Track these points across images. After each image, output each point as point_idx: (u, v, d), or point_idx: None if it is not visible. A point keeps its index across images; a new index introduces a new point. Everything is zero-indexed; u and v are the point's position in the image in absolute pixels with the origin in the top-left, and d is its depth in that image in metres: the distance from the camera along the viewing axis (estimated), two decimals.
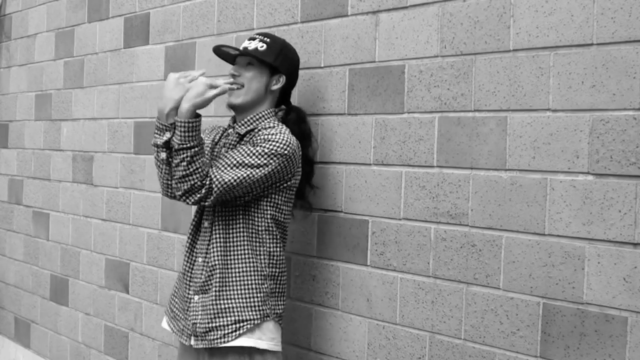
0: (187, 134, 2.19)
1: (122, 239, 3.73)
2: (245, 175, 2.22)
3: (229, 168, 2.22)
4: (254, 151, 2.25)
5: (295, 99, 2.72)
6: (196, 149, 2.19)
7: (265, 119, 2.40)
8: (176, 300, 2.46)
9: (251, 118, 2.40)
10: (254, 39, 2.41)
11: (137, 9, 3.66)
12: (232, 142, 2.42)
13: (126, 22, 3.74)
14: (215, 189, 2.20)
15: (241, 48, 2.41)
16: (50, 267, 4.36)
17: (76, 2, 4.17)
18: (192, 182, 2.19)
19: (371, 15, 2.48)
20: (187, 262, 2.42)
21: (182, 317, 2.40)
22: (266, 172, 2.24)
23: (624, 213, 1.85)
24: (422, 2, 2.32)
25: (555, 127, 1.98)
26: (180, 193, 2.21)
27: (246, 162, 2.23)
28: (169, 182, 2.38)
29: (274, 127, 2.34)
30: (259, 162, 2.24)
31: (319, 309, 2.64)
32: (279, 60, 2.39)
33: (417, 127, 2.32)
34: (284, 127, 2.36)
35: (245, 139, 2.39)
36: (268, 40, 2.40)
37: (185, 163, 2.18)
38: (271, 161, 2.25)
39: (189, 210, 3.27)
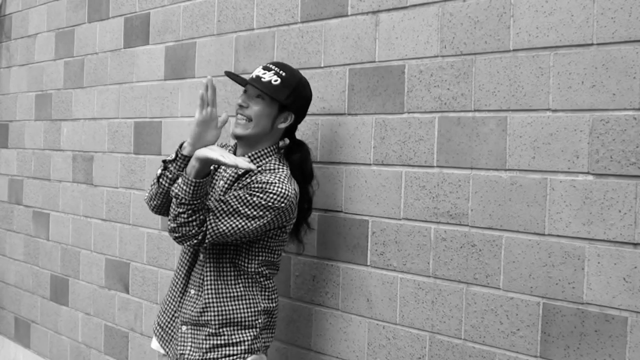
0: (198, 191, 2.14)
1: (122, 239, 3.73)
2: (239, 225, 2.17)
3: (224, 215, 2.16)
4: (251, 201, 2.16)
5: None
6: (202, 203, 2.17)
7: (267, 157, 2.32)
8: (168, 320, 2.42)
9: (253, 155, 2.31)
10: (269, 69, 2.29)
11: (137, 9, 3.66)
12: (230, 178, 2.34)
13: (126, 22, 3.74)
14: (209, 236, 2.17)
15: (254, 76, 2.29)
16: (50, 267, 4.36)
17: (76, 2, 4.17)
18: (189, 229, 2.16)
19: (371, 15, 2.48)
20: (179, 290, 2.37)
21: (172, 339, 2.38)
22: (260, 224, 2.18)
23: (624, 213, 1.85)
24: (422, 2, 2.32)
25: (555, 127, 1.98)
26: (176, 235, 2.18)
27: (241, 211, 2.15)
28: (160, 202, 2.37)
29: (274, 170, 2.26)
30: (254, 213, 2.16)
31: (319, 309, 2.64)
32: (291, 99, 2.28)
33: (417, 127, 2.32)
34: (285, 170, 2.27)
35: (243, 177, 2.32)
36: (284, 74, 2.28)
37: (190, 212, 2.14)
38: (267, 213, 2.17)
39: None
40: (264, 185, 2.18)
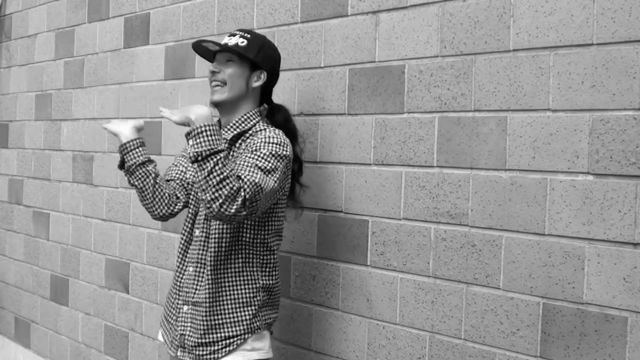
0: (217, 136, 2.04)
1: (122, 239, 3.73)
2: (263, 178, 2.10)
3: (248, 169, 2.10)
4: (260, 154, 2.16)
5: (295, 99, 2.73)
6: (226, 151, 2.07)
7: (252, 121, 2.34)
8: (169, 309, 2.41)
9: (237, 121, 2.33)
10: (234, 34, 2.35)
11: (137, 9, 3.66)
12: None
13: (126, 22, 3.74)
14: (247, 192, 2.03)
15: (222, 42, 2.34)
16: (50, 267, 4.36)
17: (76, 2, 4.17)
18: (230, 185, 2.00)
19: (371, 15, 2.48)
20: (178, 270, 2.38)
21: (173, 327, 2.37)
22: (277, 177, 2.16)
23: (624, 213, 1.85)
24: (422, 2, 2.32)
25: (555, 127, 1.98)
26: (220, 202, 2.00)
27: (259, 165, 2.13)
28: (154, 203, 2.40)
29: (266, 129, 2.28)
30: (270, 165, 2.14)
31: (319, 309, 2.64)
32: (260, 56, 2.33)
33: (417, 127, 2.32)
34: (275, 128, 2.31)
35: (236, 144, 2.32)
36: (249, 36, 2.34)
37: (220, 165, 2.00)
38: (279, 164, 2.17)
39: None
40: (265, 139, 2.20)
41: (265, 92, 2.42)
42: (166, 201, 2.41)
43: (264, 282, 2.30)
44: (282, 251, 2.74)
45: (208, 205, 2.02)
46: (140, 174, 2.36)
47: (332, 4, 2.62)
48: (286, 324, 2.73)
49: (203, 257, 2.29)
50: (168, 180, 2.47)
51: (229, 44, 2.32)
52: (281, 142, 2.22)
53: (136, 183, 2.38)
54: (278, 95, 2.79)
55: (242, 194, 2.02)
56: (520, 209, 2.05)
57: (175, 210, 2.44)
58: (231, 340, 2.25)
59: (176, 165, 2.51)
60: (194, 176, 2.12)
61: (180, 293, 2.34)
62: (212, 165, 2.00)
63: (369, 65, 2.48)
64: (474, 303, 2.16)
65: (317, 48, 2.67)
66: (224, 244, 2.26)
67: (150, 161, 2.39)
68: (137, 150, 2.36)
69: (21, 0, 4.76)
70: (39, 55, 4.53)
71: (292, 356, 2.72)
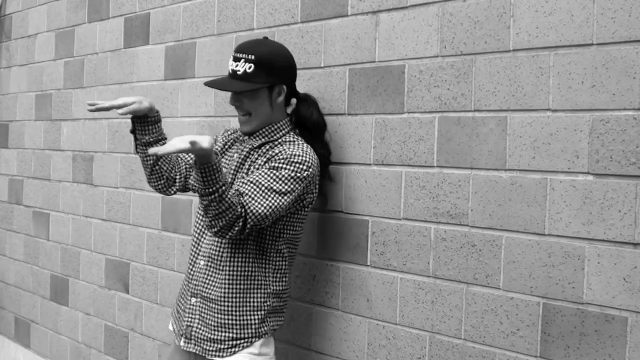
0: (212, 177, 2.03)
1: (122, 239, 3.73)
2: (276, 203, 2.15)
3: (260, 196, 2.14)
4: (280, 175, 2.17)
5: None
6: (223, 187, 2.05)
7: (282, 131, 2.35)
8: (180, 299, 2.44)
9: (266, 129, 2.35)
10: (238, 59, 2.28)
11: (137, 9, 3.66)
12: (244, 151, 2.36)
13: (126, 22, 3.74)
14: (250, 221, 2.11)
15: (230, 71, 2.30)
16: (50, 267, 4.36)
17: (76, 2, 4.17)
18: (228, 217, 2.07)
19: (371, 15, 2.48)
20: (190, 261, 2.40)
21: (181, 317, 2.39)
22: (293, 198, 2.21)
23: (624, 213, 1.85)
24: (422, 2, 2.32)
25: (555, 127, 1.98)
26: (216, 230, 2.10)
27: (275, 187, 2.15)
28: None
29: (293, 142, 2.29)
30: (286, 188, 2.17)
31: (319, 309, 2.64)
32: (272, 76, 2.28)
33: (417, 127, 2.32)
34: (302, 141, 2.32)
35: (259, 151, 2.33)
36: (253, 57, 2.26)
37: (215, 203, 2.05)
38: (297, 186, 2.20)
39: (189, 211, 3.27)
40: (288, 157, 2.22)
41: (291, 93, 2.39)
42: (163, 182, 2.52)
43: (275, 287, 2.32)
44: None
45: (206, 226, 2.14)
46: (142, 150, 2.48)
47: (332, 4, 2.62)
48: (286, 324, 2.73)
49: (216, 252, 2.30)
50: (177, 159, 2.54)
51: (238, 72, 2.27)
52: (304, 161, 2.23)
53: (140, 156, 2.51)
54: None
55: (240, 224, 2.10)
56: (520, 209, 2.05)
57: (168, 191, 2.55)
58: (238, 342, 2.27)
59: None
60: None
61: (190, 285, 2.36)
62: (207, 202, 2.06)
63: (369, 65, 2.48)
64: (474, 303, 2.16)
65: (317, 48, 2.67)
66: (239, 247, 2.28)
67: (157, 140, 2.47)
68: (146, 128, 2.45)
69: (21, 0, 4.76)
70: (39, 55, 4.53)
71: (292, 356, 2.72)
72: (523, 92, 2.05)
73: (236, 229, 2.10)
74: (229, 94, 2.46)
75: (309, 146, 2.32)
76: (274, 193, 2.16)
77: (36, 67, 4.56)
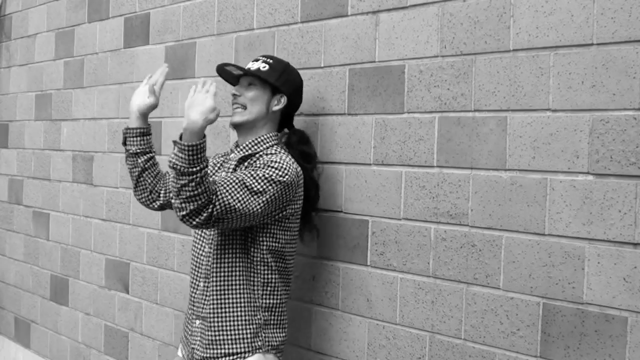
0: (197, 156, 2.05)
1: (122, 239, 3.73)
2: (246, 199, 2.13)
3: (232, 187, 2.13)
4: (255, 175, 2.18)
5: None
6: (205, 169, 2.07)
7: (266, 144, 2.37)
8: (186, 324, 2.43)
9: (252, 142, 2.36)
10: (257, 60, 2.40)
11: (137, 9, 3.66)
12: (234, 163, 2.38)
13: (126, 22, 3.74)
14: (217, 209, 2.08)
15: (245, 68, 2.38)
16: (50, 267, 4.36)
17: (76, 2, 4.17)
18: (200, 202, 2.06)
19: (371, 15, 2.48)
20: (192, 285, 2.40)
21: (189, 341, 2.39)
22: (265, 200, 2.17)
23: (624, 213, 1.85)
24: (422, 2, 2.32)
25: (555, 127, 1.98)
26: (183, 213, 2.07)
27: (247, 184, 2.15)
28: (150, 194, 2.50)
29: (275, 153, 2.30)
30: (258, 187, 2.16)
31: (319, 309, 2.64)
32: (281, 80, 2.36)
33: (417, 127, 2.32)
34: (286, 153, 2.32)
35: (245, 163, 2.35)
36: (271, 61, 2.39)
37: (194, 184, 2.04)
38: (269, 187, 2.17)
39: None
40: (267, 162, 2.23)
41: (287, 117, 2.46)
42: (147, 194, 2.52)
43: (265, 301, 2.30)
44: None
45: (175, 210, 2.12)
46: (130, 161, 2.48)
47: (332, 4, 2.62)
48: None
49: (210, 272, 2.30)
50: (165, 174, 2.55)
51: (252, 68, 2.36)
52: (282, 167, 2.22)
53: (128, 165, 2.50)
54: None
55: (209, 210, 2.08)
56: (520, 209, 2.05)
57: (151, 205, 2.54)
58: (232, 357, 2.26)
59: None
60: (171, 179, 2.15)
61: (194, 308, 2.36)
62: (186, 181, 2.04)
63: (369, 65, 2.48)
64: (474, 303, 2.16)
65: (317, 48, 2.67)
66: (227, 262, 2.28)
67: (144, 152, 2.46)
68: (135, 139, 2.45)
69: (21, 0, 4.76)
70: (39, 55, 4.53)
71: (292, 356, 2.72)
72: (523, 92, 2.05)
73: (204, 215, 2.07)
74: (229, 95, 2.47)
75: (290, 157, 2.31)
76: (245, 189, 2.14)
77: (36, 67, 4.56)
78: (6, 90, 4.91)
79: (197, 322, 2.33)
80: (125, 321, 3.69)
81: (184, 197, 2.06)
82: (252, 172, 2.19)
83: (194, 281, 2.38)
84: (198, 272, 2.36)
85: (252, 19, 2.96)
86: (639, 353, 1.81)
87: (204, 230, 2.37)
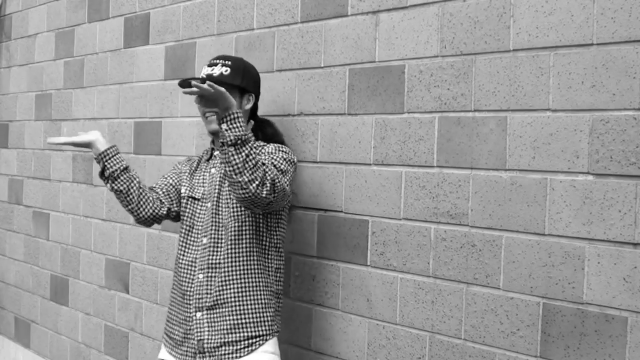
0: (245, 124, 2.16)
1: (122, 239, 3.73)
2: (284, 179, 2.24)
3: (268, 163, 2.23)
4: (275, 157, 2.30)
5: (295, 99, 2.73)
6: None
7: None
8: (174, 326, 2.42)
9: None
10: (214, 64, 2.42)
11: (137, 9, 3.66)
12: (220, 165, 2.42)
13: (126, 22, 3.74)
14: (274, 175, 2.14)
15: (204, 75, 2.39)
16: (50, 267, 4.36)
17: (76, 2, 4.17)
18: (263, 169, 2.12)
19: (371, 15, 2.48)
20: (186, 280, 2.39)
21: (183, 340, 2.38)
22: (288, 179, 2.29)
23: (624, 213, 1.85)
24: (422, 2, 2.32)
25: (555, 127, 1.98)
26: (257, 182, 2.10)
27: (276, 165, 2.28)
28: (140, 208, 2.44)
29: (266, 145, 2.39)
30: (283, 167, 2.29)
31: (319, 309, 2.64)
32: (246, 80, 2.43)
33: (417, 127, 2.32)
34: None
35: None
36: (229, 63, 2.42)
37: (254, 151, 2.12)
38: (289, 167, 2.32)
39: None
40: (274, 148, 2.36)
41: (252, 110, 2.52)
42: (151, 204, 2.45)
43: (276, 287, 2.41)
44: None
45: (245, 187, 2.11)
46: (125, 178, 2.39)
47: (332, 4, 2.62)
48: (286, 324, 2.73)
49: (214, 261, 2.33)
50: (151, 189, 2.53)
51: (214, 74, 2.38)
52: (289, 151, 2.38)
53: (121, 187, 2.39)
54: (279, 96, 2.79)
55: (269, 177, 2.14)
56: (520, 209, 2.05)
57: (160, 213, 2.48)
58: (254, 340, 2.31)
59: (165, 178, 2.56)
60: (223, 160, 2.12)
61: (191, 301, 2.36)
62: (248, 149, 2.11)
63: (369, 65, 2.48)
64: (474, 303, 2.16)
65: (317, 48, 2.67)
66: (242, 250, 2.33)
67: (130, 168, 2.44)
68: (117, 156, 2.40)
69: (21, 0, 4.76)
70: (39, 55, 4.53)
71: (292, 356, 2.72)
72: (523, 92, 2.05)
73: (268, 184, 2.13)
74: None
75: None
76: (275, 169, 2.26)
77: (36, 67, 4.56)
78: (6, 90, 4.91)
79: (199, 314, 2.34)
80: (125, 321, 3.69)
81: (250, 166, 2.09)
82: (272, 156, 2.31)
83: (188, 275, 2.38)
84: (193, 266, 2.38)
85: (252, 19, 2.96)
86: (639, 353, 1.81)
87: (198, 223, 2.40)
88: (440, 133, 2.26)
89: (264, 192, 2.12)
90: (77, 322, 4.10)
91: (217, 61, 2.43)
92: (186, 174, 2.53)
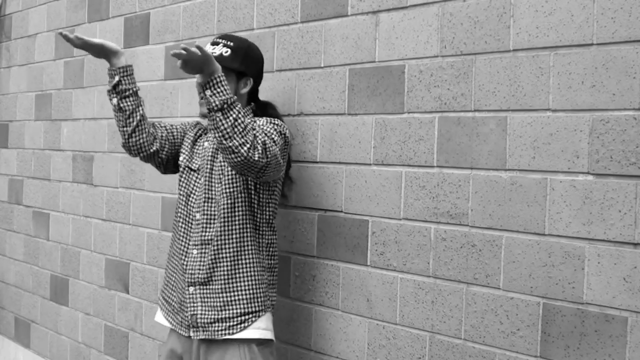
0: (229, 87, 2.14)
1: (122, 239, 3.73)
2: (276, 146, 2.23)
3: (258, 129, 2.23)
4: (265, 127, 2.27)
5: (295, 99, 2.73)
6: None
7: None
8: (172, 292, 2.46)
9: None
10: (217, 43, 2.39)
11: (137, 9, 3.66)
12: (212, 139, 2.44)
13: (126, 22, 3.74)
14: (264, 139, 2.15)
15: None
16: (50, 267, 4.36)
17: (76, 2, 4.17)
18: (253, 132, 2.12)
19: (371, 15, 2.48)
20: (180, 252, 2.42)
21: (180, 309, 2.41)
22: (279, 148, 2.26)
23: (624, 213, 1.85)
24: (422, 2, 2.32)
25: (555, 127, 1.98)
26: (248, 145, 2.09)
27: (266, 132, 2.24)
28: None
29: (258, 119, 2.37)
30: (274, 136, 2.25)
31: (319, 309, 2.64)
32: (245, 64, 2.40)
33: (417, 127, 2.32)
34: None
35: None
36: (232, 44, 2.39)
37: (242, 113, 2.10)
38: (280, 140, 2.28)
39: None
40: (265, 120, 2.32)
41: (252, 93, 2.51)
42: (145, 136, 2.44)
43: (269, 262, 2.41)
44: (282, 251, 2.74)
45: (236, 151, 2.08)
46: (133, 100, 2.40)
47: (332, 4, 2.62)
48: (286, 324, 2.73)
49: (206, 238, 2.35)
50: (153, 124, 2.51)
51: (214, 54, 2.36)
52: (281, 124, 2.34)
53: (127, 107, 2.39)
54: (279, 96, 2.79)
55: (260, 141, 2.13)
56: (520, 209, 2.05)
57: (148, 149, 2.45)
58: (246, 317, 2.32)
59: (172, 126, 2.56)
60: (211, 127, 2.12)
61: (185, 276, 2.38)
62: (236, 112, 2.09)
63: (369, 65, 2.48)
64: (474, 303, 2.16)
65: (317, 48, 2.67)
66: (235, 226, 2.34)
67: (137, 89, 2.43)
68: (133, 76, 2.42)
69: (21, 0, 4.76)
70: (39, 55, 4.53)
71: (292, 356, 2.72)
72: (523, 92, 2.05)
73: (259, 147, 2.12)
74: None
75: None
76: (266, 136, 2.22)
77: (36, 67, 4.56)
78: (6, 90, 4.91)
79: (192, 289, 2.36)
80: (125, 321, 3.69)
81: (240, 130, 2.08)
82: (263, 127, 2.27)
83: (183, 249, 2.40)
84: (187, 240, 2.40)
85: (252, 19, 2.96)
86: (639, 353, 1.81)
87: (193, 196, 2.41)
88: (440, 133, 2.26)
89: (256, 155, 2.10)
90: (77, 322, 4.10)
91: (220, 40, 2.40)
92: (189, 140, 2.52)
